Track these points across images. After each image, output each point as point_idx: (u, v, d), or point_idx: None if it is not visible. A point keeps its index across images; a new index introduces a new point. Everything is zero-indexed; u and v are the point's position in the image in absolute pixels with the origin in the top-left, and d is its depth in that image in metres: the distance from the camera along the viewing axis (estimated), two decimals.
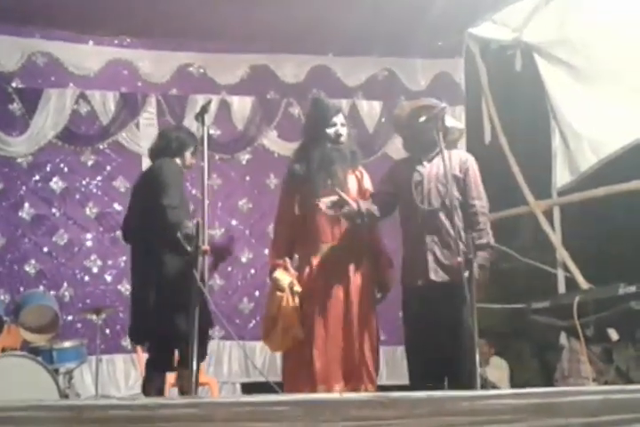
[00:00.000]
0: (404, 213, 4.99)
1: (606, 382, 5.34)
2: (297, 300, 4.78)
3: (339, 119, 4.97)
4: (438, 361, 4.78)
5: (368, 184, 5.09)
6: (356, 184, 5.02)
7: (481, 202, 4.85)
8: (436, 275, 4.78)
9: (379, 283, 5.00)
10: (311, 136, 5.03)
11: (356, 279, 4.86)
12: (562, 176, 7.06)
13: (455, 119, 5.34)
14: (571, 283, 6.88)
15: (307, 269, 4.88)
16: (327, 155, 4.89)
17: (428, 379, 4.62)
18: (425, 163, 4.93)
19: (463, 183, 4.86)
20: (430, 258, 4.79)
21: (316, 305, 4.78)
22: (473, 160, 4.99)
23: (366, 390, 4.68)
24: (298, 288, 4.78)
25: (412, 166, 4.98)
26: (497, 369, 7.62)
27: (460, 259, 4.52)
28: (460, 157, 4.95)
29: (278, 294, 4.79)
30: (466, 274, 4.48)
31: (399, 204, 5.01)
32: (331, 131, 4.93)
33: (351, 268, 4.87)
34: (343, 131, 4.96)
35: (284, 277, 4.81)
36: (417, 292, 4.87)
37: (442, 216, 4.80)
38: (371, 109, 8.20)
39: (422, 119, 4.82)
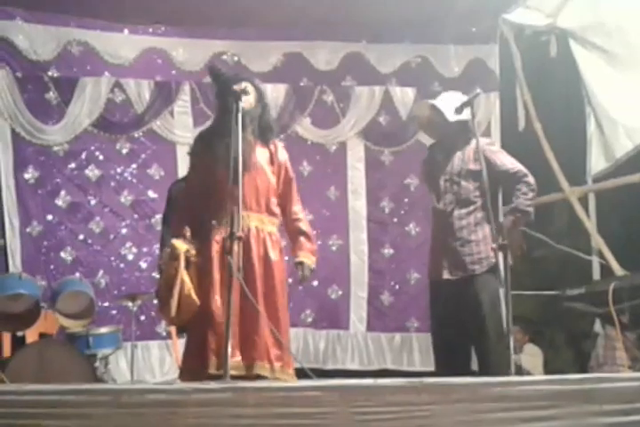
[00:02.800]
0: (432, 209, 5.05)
1: None
2: (194, 269, 4.55)
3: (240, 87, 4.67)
4: (462, 351, 4.82)
5: (283, 157, 4.88)
6: (267, 156, 4.81)
7: (506, 170, 4.87)
8: (450, 274, 4.83)
9: (298, 260, 4.77)
10: (221, 109, 4.79)
11: (259, 252, 4.63)
12: (597, 162, 7.00)
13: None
14: (605, 269, 6.84)
15: (208, 240, 4.63)
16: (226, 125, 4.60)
17: (452, 368, 4.66)
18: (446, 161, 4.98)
19: (483, 172, 4.78)
20: (447, 255, 4.84)
21: (212, 278, 4.54)
22: (485, 142, 4.95)
23: (269, 368, 4.49)
24: (194, 257, 4.55)
25: (440, 165, 5.01)
26: (531, 356, 7.59)
27: (493, 245, 4.52)
28: (472, 148, 4.88)
29: (173, 262, 4.55)
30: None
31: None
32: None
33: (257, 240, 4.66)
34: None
35: (180, 244, 4.55)
36: (437, 284, 4.93)
37: (455, 214, 4.83)
38: (404, 96, 8.15)
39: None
